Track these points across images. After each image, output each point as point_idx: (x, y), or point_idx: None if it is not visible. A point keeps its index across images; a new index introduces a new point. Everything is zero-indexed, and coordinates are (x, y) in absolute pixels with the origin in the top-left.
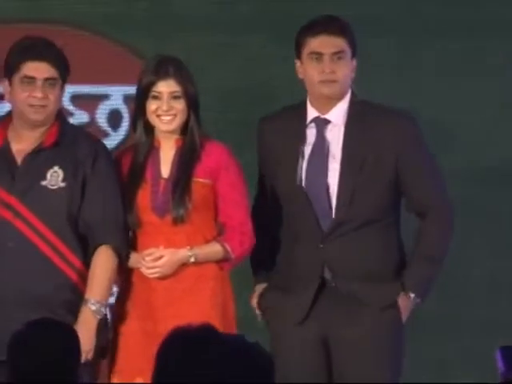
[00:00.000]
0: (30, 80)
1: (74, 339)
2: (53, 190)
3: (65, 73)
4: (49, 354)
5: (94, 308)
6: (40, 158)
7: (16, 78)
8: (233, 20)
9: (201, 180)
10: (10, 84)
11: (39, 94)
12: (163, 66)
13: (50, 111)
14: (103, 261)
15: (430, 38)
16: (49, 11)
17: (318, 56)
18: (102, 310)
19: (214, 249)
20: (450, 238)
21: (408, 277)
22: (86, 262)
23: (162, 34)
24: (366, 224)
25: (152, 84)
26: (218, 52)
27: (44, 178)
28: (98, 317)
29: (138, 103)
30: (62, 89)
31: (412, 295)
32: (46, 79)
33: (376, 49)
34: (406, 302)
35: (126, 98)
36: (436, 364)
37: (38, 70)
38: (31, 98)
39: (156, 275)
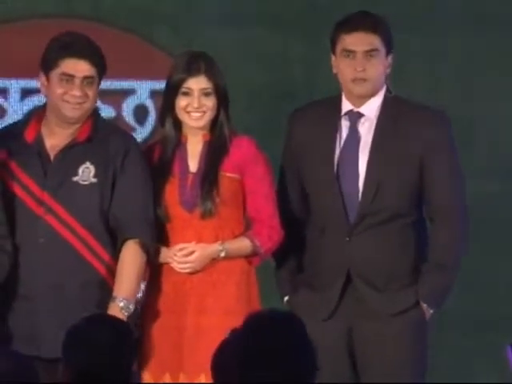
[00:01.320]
0: (69, 77)
1: (129, 335)
2: (84, 185)
3: (102, 71)
4: (105, 350)
5: (121, 305)
6: (72, 154)
7: (54, 74)
8: (259, 16)
9: (229, 174)
10: (47, 79)
11: (77, 93)
12: (194, 63)
13: (86, 109)
14: (131, 257)
15: (454, 33)
16: (76, 6)
17: (350, 53)
18: (130, 306)
19: (244, 243)
20: (461, 242)
21: (421, 286)
22: (116, 256)
23: (187, 30)
24: (390, 219)
25: (183, 81)
26: (243, 47)
27: (76, 173)
28: (126, 314)
29: (167, 99)
30: (98, 86)
31: (425, 305)
32: (85, 77)
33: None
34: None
35: (153, 93)
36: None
37: (77, 68)
38: (68, 96)
39: (187, 270)
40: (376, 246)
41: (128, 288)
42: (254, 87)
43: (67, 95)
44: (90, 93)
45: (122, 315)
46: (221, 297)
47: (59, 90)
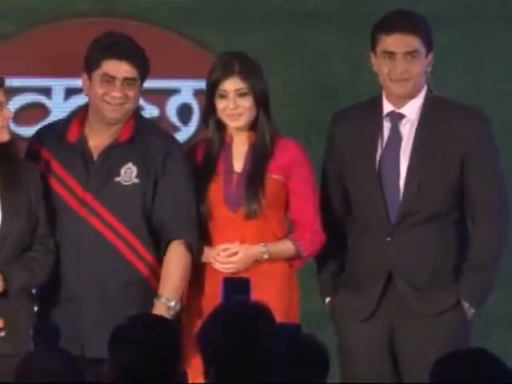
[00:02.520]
0: (110, 78)
1: (175, 334)
2: (126, 186)
3: (144, 72)
4: (151, 349)
5: (167, 304)
6: (115, 155)
7: (96, 75)
8: (299, 15)
9: (274, 176)
10: (89, 79)
11: (118, 94)
12: (229, 64)
13: (126, 110)
14: (177, 257)
15: (494, 32)
16: (118, 5)
17: (390, 55)
18: (176, 306)
19: (286, 246)
20: (502, 240)
21: (462, 285)
22: (158, 257)
23: (230, 29)
24: (431, 218)
25: (218, 82)
26: (285, 47)
27: (118, 174)
28: (172, 312)
29: (208, 100)
30: (140, 87)
31: (466, 304)
32: (125, 79)
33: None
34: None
35: (197, 93)
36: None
37: (117, 69)
38: (109, 97)
39: (230, 270)
40: (417, 246)
41: (173, 287)
42: (296, 87)
43: (108, 96)
44: (131, 94)
45: (168, 314)
46: (261, 299)
47: (100, 91)
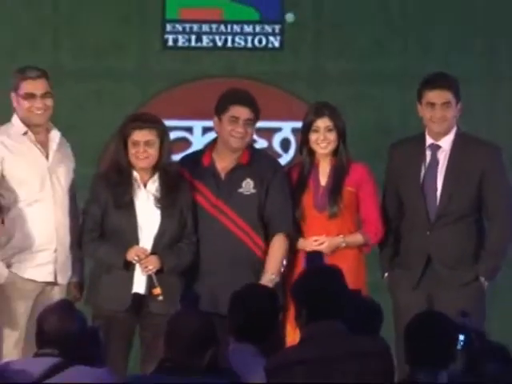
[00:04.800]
0: (235, 119)
1: (275, 298)
2: (247, 195)
3: (257, 115)
4: (258, 309)
5: (271, 277)
6: (237, 173)
7: (224, 117)
8: (365, 75)
9: (349, 188)
10: (220, 120)
11: (241, 130)
12: (320, 109)
13: (246, 142)
14: (279, 244)
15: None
16: (238, 69)
17: (432, 104)
18: (277, 279)
19: (358, 238)
20: (508, 235)
21: (480, 266)
22: (267, 242)
23: (317, 85)
24: (459, 218)
25: (313, 121)
26: (355, 98)
27: (240, 186)
28: (274, 283)
29: (303, 135)
30: (255, 125)
31: (482, 279)
32: (246, 119)
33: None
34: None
35: (293, 130)
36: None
37: (241, 112)
38: (235, 132)
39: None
40: (448, 238)
41: (276, 266)
42: (364, 127)
43: (234, 131)
44: (249, 130)
45: (271, 284)
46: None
47: (228, 128)
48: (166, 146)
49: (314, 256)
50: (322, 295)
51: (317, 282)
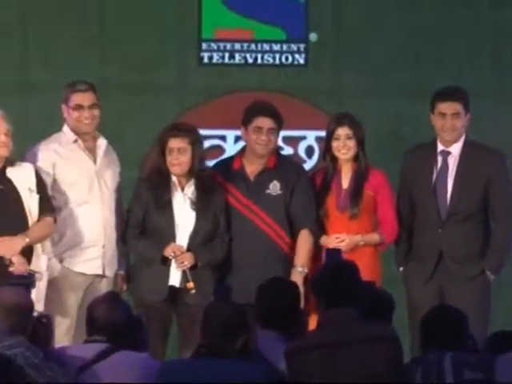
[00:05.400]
0: (259, 129)
1: (296, 291)
2: (274, 195)
3: (280, 124)
4: (282, 300)
5: (300, 270)
6: (264, 175)
7: (250, 127)
8: (382, 89)
9: (368, 192)
10: (246, 130)
11: (264, 138)
12: (341, 119)
13: (270, 148)
14: (305, 239)
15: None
16: (268, 84)
17: (443, 115)
18: (305, 270)
19: (375, 237)
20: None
21: (486, 261)
22: (293, 239)
23: (337, 99)
24: (467, 218)
25: (334, 130)
26: (373, 111)
27: (268, 188)
28: (302, 275)
29: (326, 143)
30: (278, 134)
31: (488, 273)
32: (269, 129)
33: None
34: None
35: (317, 138)
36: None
37: (264, 122)
38: (259, 140)
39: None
40: (458, 236)
41: (304, 259)
42: (380, 135)
43: (258, 140)
44: (272, 138)
45: (301, 277)
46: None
47: (254, 137)
48: (197, 152)
49: (333, 252)
50: (338, 288)
51: (334, 276)
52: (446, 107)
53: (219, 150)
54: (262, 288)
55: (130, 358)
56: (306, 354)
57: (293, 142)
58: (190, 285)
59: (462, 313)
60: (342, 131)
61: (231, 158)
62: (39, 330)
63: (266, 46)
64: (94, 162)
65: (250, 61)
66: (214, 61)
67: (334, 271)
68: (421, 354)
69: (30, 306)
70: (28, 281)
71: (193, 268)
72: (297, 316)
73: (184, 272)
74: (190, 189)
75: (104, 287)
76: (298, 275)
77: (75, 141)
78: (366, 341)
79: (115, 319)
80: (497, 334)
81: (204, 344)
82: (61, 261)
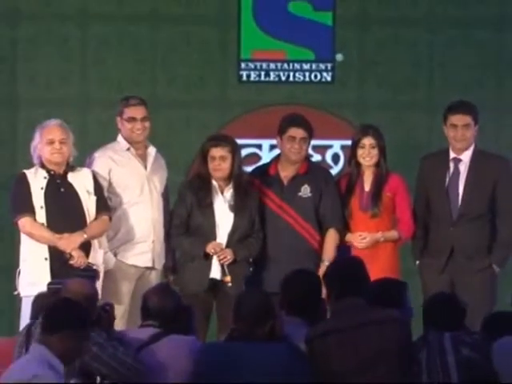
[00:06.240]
0: (293, 138)
1: (318, 281)
2: (305, 197)
3: (311, 134)
4: (304, 290)
5: (327, 264)
6: (297, 180)
7: (284, 137)
8: (400, 103)
9: (387, 194)
10: (281, 139)
11: (297, 147)
12: (366, 129)
13: (302, 156)
14: (332, 237)
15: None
16: (299, 99)
17: (454, 126)
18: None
19: (394, 234)
20: None
21: (493, 255)
22: (321, 236)
23: (361, 112)
24: (476, 217)
25: (360, 139)
26: (392, 123)
27: (300, 191)
28: None
29: (352, 150)
30: (310, 143)
31: (495, 266)
32: (301, 138)
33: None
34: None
35: (342, 147)
36: None
37: (297, 132)
38: (293, 148)
39: (362, 246)
40: (467, 233)
41: (330, 254)
42: (398, 144)
43: (292, 148)
44: (304, 146)
45: None
46: (378, 263)
47: (288, 146)
48: (237, 160)
49: (343, 249)
50: (346, 280)
51: (343, 270)
52: (457, 119)
53: (256, 157)
54: (287, 278)
55: (178, 341)
56: (323, 339)
57: (321, 150)
58: (227, 279)
59: (460, 299)
60: (367, 141)
61: (267, 165)
62: (103, 316)
63: (297, 66)
64: (145, 167)
65: (283, 78)
66: (252, 79)
67: (343, 266)
68: (423, 333)
69: (96, 295)
70: (93, 273)
71: (230, 264)
72: (318, 304)
73: (222, 267)
74: (229, 192)
75: (154, 278)
76: (325, 268)
77: (128, 149)
78: (377, 323)
79: (166, 307)
80: (494, 315)
81: (236, 328)
82: (115, 254)
